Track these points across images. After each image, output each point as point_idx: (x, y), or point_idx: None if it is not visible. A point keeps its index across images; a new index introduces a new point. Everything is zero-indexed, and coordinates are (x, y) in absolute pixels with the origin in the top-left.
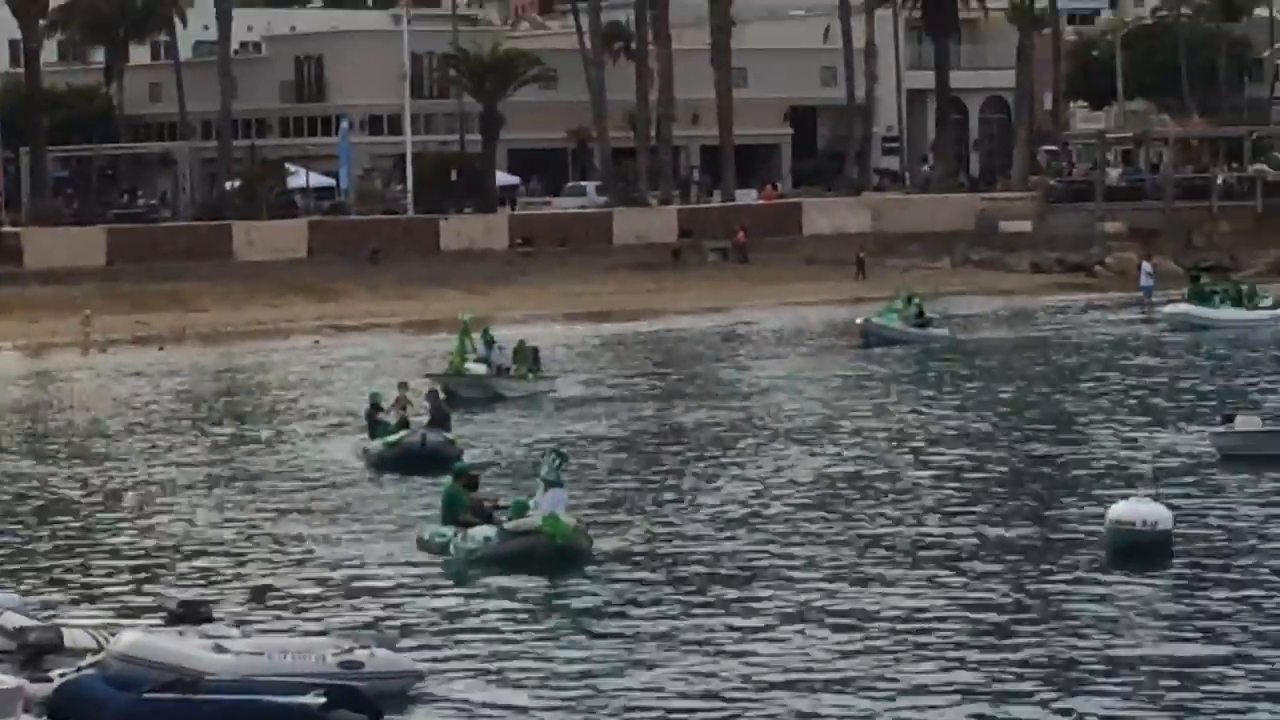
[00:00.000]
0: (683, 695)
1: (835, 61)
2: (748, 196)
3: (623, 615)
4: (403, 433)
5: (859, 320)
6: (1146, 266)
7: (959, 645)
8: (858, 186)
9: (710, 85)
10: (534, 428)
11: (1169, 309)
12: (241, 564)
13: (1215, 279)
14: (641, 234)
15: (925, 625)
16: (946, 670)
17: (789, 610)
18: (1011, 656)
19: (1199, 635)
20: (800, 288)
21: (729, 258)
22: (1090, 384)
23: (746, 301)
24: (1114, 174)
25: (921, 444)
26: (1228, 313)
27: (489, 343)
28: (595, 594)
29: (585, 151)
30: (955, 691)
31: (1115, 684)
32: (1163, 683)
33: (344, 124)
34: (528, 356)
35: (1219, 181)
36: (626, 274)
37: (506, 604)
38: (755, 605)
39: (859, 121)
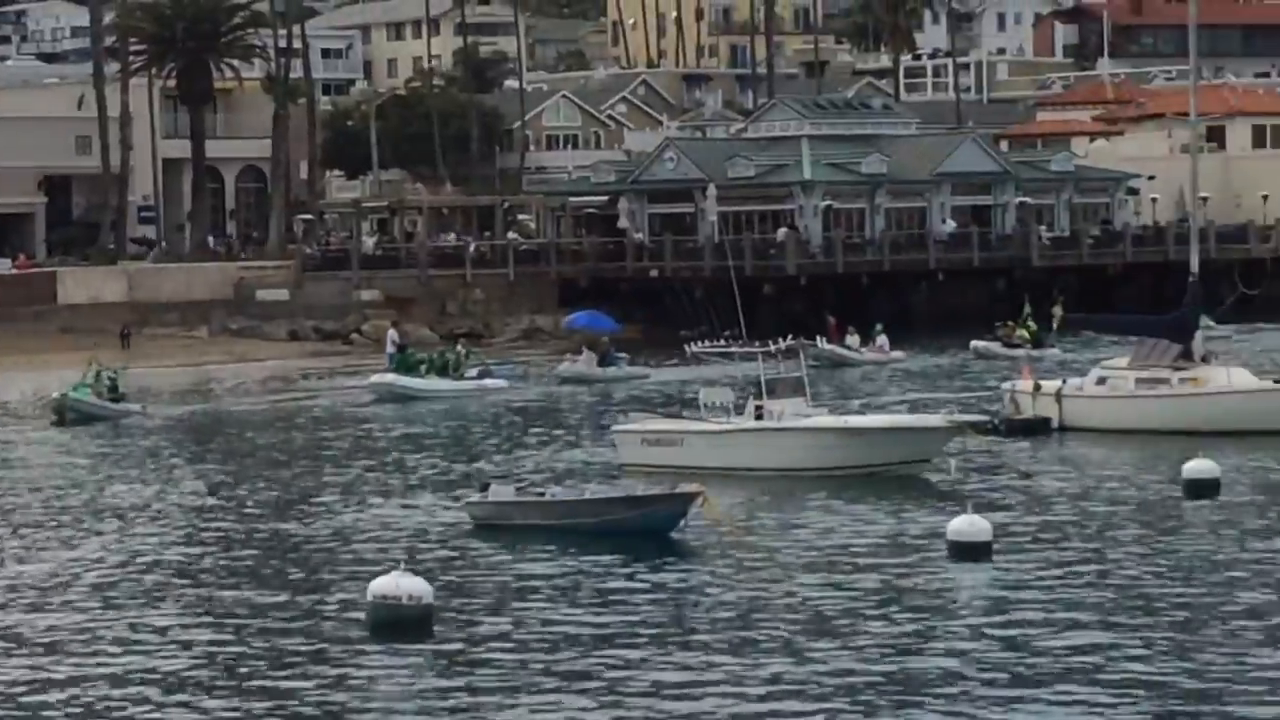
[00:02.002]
0: None
1: (90, 130)
2: (2, 266)
3: None
4: None
5: (55, 394)
6: (392, 334)
7: None
8: (114, 255)
9: None
10: None
11: (374, 379)
12: None
13: (418, 351)
14: None
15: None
16: None
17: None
18: None
19: (458, 707)
20: (57, 358)
21: None
22: (331, 454)
23: None
24: (370, 242)
25: (170, 521)
26: (433, 383)
27: None
28: None
29: None
30: None
31: None
32: None
33: None
34: None
35: (472, 250)
36: None
37: None
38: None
39: (115, 190)
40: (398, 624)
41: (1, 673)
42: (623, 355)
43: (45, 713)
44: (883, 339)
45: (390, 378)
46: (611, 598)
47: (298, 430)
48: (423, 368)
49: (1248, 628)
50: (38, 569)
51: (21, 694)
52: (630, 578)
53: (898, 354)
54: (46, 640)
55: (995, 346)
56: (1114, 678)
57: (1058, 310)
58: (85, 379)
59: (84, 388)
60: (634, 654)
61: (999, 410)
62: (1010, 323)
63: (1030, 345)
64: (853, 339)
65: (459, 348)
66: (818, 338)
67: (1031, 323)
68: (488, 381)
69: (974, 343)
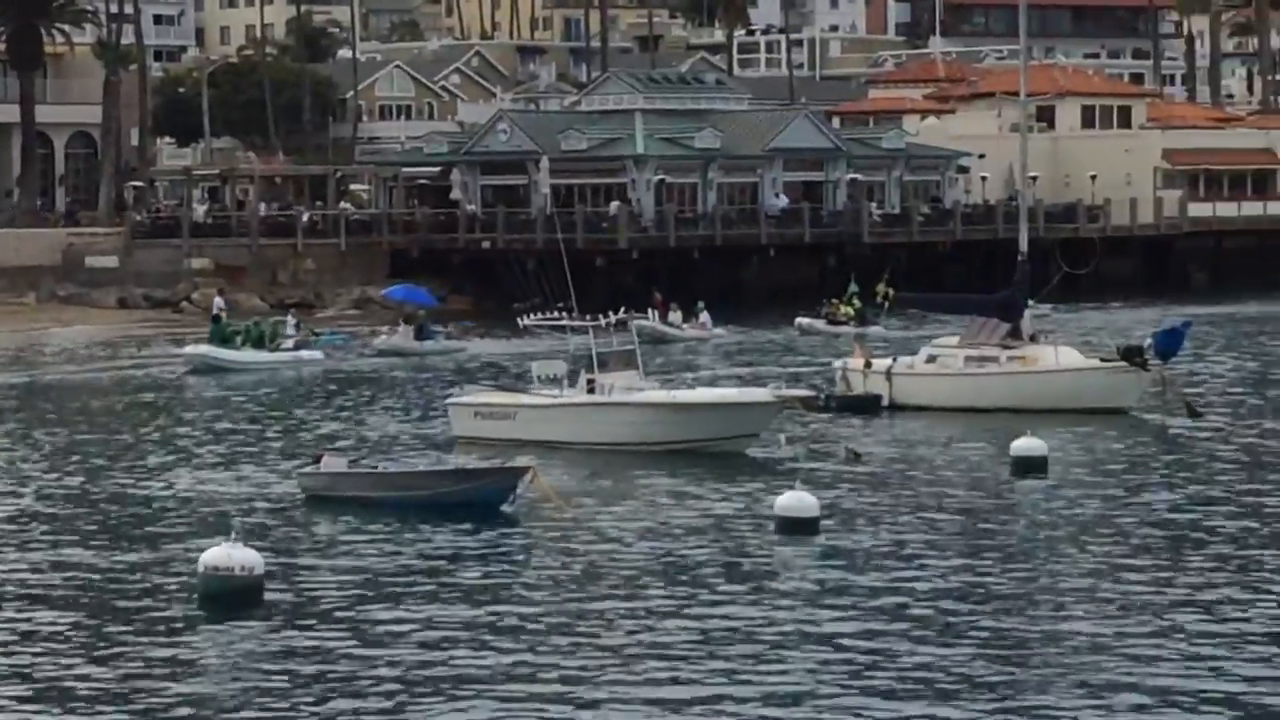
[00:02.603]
0: None
1: None
2: None
3: None
4: None
5: None
6: (219, 301)
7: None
8: None
9: None
10: None
11: (189, 349)
12: None
13: (234, 322)
14: None
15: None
16: None
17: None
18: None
19: (289, 677)
20: None
21: None
22: (155, 425)
23: None
24: (200, 210)
25: None
26: (249, 355)
27: None
28: None
29: None
30: None
31: None
32: None
33: None
34: None
35: (304, 219)
36: None
37: None
38: None
39: None
40: (229, 596)
41: None
42: (439, 329)
43: None
44: (705, 315)
45: (205, 349)
46: (442, 571)
47: (117, 399)
48: (238, 339)
49: (1073, 604)
50: None
51: None
52: (461, 551)
53: (719, 330)
54: None
55: (820, 324)
56: (937, 655)
57: (882, 288)
58: None
59: None
60: (465, 632)
61: (829, 387)
62: (835, 300)
63: (855, 322)
64: (675, 315)
65: (290, 317)
66: (649, 311)
67: (857, 300)
68: (304, 353)
69: (799, 319)
